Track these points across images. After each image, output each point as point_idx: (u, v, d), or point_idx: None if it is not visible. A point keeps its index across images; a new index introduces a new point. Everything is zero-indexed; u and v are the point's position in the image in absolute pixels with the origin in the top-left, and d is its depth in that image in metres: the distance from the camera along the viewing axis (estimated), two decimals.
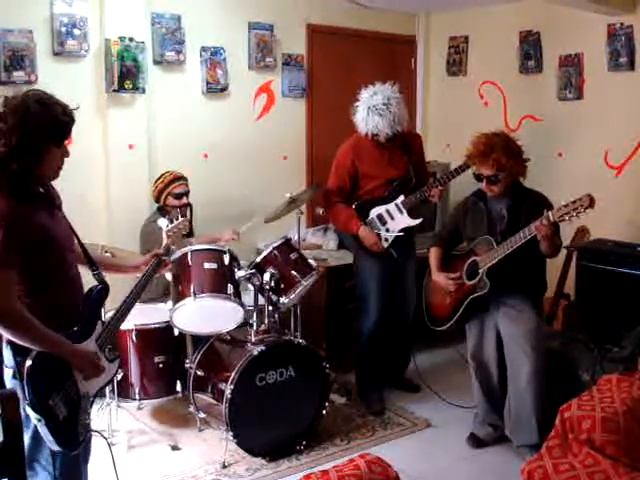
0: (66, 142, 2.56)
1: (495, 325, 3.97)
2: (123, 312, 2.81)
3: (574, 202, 3.44)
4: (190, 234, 4.60)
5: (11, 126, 2.36)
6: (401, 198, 4.45)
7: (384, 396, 4.77)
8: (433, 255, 4.22)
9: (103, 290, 2.70)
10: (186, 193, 4.70)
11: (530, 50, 5.67)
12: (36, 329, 2.40)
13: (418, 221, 4.48)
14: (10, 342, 2.46)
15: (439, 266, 4.17)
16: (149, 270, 2.99)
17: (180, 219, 3.28)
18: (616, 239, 4.88)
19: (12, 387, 2.42)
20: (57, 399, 2.44)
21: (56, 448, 2.46)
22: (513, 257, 3.73)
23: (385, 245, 4.48)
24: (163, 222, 3.29)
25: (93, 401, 2.69)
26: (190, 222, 3.31)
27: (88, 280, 2.76)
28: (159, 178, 4.72)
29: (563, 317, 4.90)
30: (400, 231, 4.46)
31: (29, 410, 2.37)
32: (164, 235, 3.21)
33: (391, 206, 4.48)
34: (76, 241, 2.73)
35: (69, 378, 2.52)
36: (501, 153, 3.74)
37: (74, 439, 2.54)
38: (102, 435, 2.80)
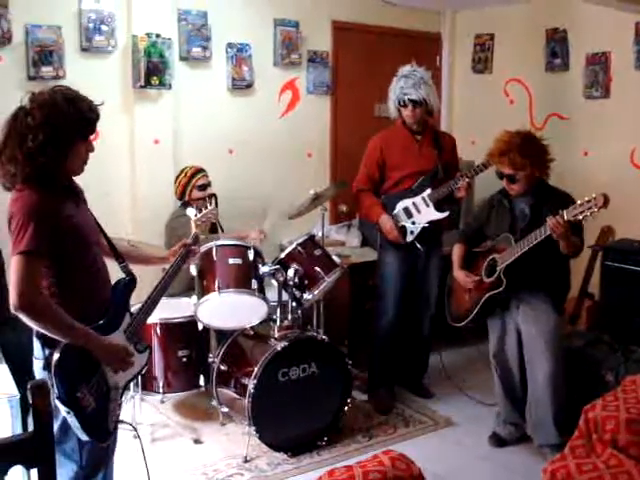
0: (91, 137, 2.59)
1: (516, 324, 3.96)
2: (152, 303, 2.82)
3: (588, 201, 3.41)
4: (215, 229, 4.64)
5: (39, 122, 2.40)
6: (428, 191, 4.43)
7: (393, 397, 4.74)
8: (456, 252, 4.21)
9: (131, 282, 2.72)
10: (209, 184, 4.75)
11: (557, 48, 5.63)
12: (62, 320, 2.42)
13: (445, 214, 4.45)
14: (39, 334, 2.49)
15: (461, 263, 4.16)
16: (178, 260, 2.99)
17: (209, 207, 3.28)
18: None
19: (42, 377, 2.45)
20: (85, 391, 2.47)
21: (86, 439, 2.49)
22: (534, 256, 3.71)
23: (410, 238, 4.47)
24: (191, 212, 3.29)
25: (123, 392, 2.70)
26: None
27: (116, 273, 2.79)
28: (180, 174, 4.77)
29: (587, 317, 4.88)
30: (426, 223, 4.44)
31: (57, 403, 2.39)
32: (192, 224, 3.20)
33: (417, 199, 4.46)
34: (102, 234, 2.76)
35: (98, 370, 2.54)
36: (517, 153, 3.72)
37: (104, 430, 2.57)
38: (132, 426, 2.82)
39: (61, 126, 2.42)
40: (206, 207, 3.30)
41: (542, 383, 3.84)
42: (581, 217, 3.45)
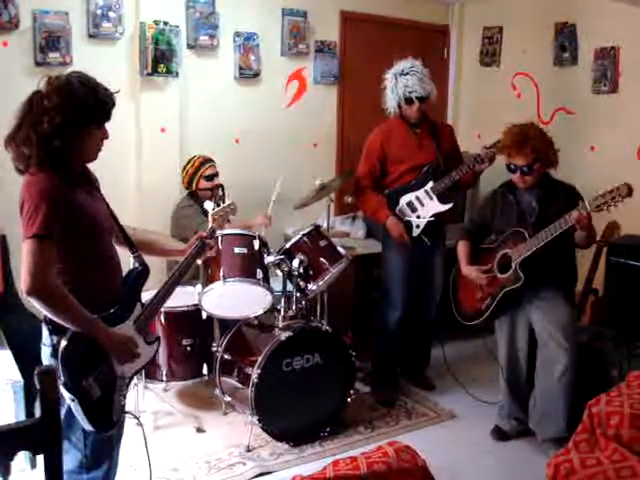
0: (106, 124, 2.58)
1: (527, 319, 3.93)
2: (164, 295, 2.81)
3: (611, 191, 3.38)
4: None
5: (56, 104, 2.39)
6: (430, 184, 4.41)
7: (397, 389, 4.75)
8: (462, 249, 4.16)
9: (143, 272, 2.71)
10: (216, 174, 4.74)
11: (565, 42, 5.59)
12: (72, 307, 2.41)
13: (448, 206, 4.43)
14: (48, 321, 2.48)
15: (469, 260, 4.11)
16: (192, 253, 2.98)
17: (227, 202, 3.26)
18: None
19: (50, 364, 2.44)
20: (91, 380, 2.46)
21: (89, 428, 2.48)
22: (547, 249, 3.69)
23: (417, 232, 4.45)
24: (209, 205, 3.27)
25: (129, 383, 2.69)
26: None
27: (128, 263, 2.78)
28: (188, 163, 4.75)
29: (591, 312, 4.87)
30: (431, 217, 4.42)
31: (62, 390, 2.38)
32: (209, 218, 3.19)
33: (420, 192, 4.43)
34: (115, 223, 2.75)
35: (104, 359, 2.53)
36: (538, 141, 3.72)
37: (108, 420, 2.56)
38: (134, 415, 2.82)
39: (77, 110, 2.42)
40: (224, 201, 3.27)
41: (557, 377, 3.81)
42: (605, 208, 3.42)
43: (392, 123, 4.56)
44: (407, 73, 4.36)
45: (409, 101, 4.39)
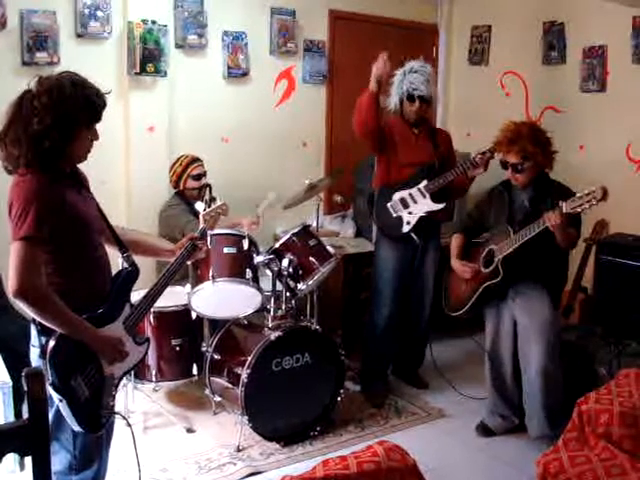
0: (96, 125, 2.57)
1: (512, 315, 3.96)
2: (153, 295, 2.80)
3: (588, 194, 3.43)
4: None
5: (46, 104, 2.38)
6: (424, 182, 4.41)
7: (387, 389, 4.74)
8: (454, 241, 4.23)
9: (133, 272, 2.69)
10: (204, 174, 4.72)
11: (554, 41, 5.62)
12: (59, 310, 2.40)
13: (441, 205, 4.42)
14: (36, 322, 2.47)
15: (458, 253, 4.17)
16: (183, 254, 2.97)
17: (218, 202, 3.25)
18: (636, 233, 4.85)
19: (38, 366, 2.44)
20: (79, 380, 2.46)
21: (77, 428, 2.48)
22: (532, 248, 3.72)
23: (407, 229, 4.43)
24: (200, 206, 3.26)
25: (118, 383, 2.69)
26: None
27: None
28: (175, 162, 4.74)
29: (580, 310, 4.89)
30: (423, 214, 4.42)
31: (51, 390, 2.38)
32: (200, 218, 3.18)
33: (414, 190, 4.43)
34: (105, 223, 2.74)
35: (93, 360, 2.52)
36: (527, 141, 3.73)
37: (96, 420, 2.55)
38: (122, 416, 2.81)
39: (68, 110, 2.41)
40: (214, 201, 3.26)
41: (534, 375, 3.85)
42: (580, 210, 3.46)
43: (392, 119, 4.58)
44: (416, 71, 4.41)
45: (411, 98, 4.42)
